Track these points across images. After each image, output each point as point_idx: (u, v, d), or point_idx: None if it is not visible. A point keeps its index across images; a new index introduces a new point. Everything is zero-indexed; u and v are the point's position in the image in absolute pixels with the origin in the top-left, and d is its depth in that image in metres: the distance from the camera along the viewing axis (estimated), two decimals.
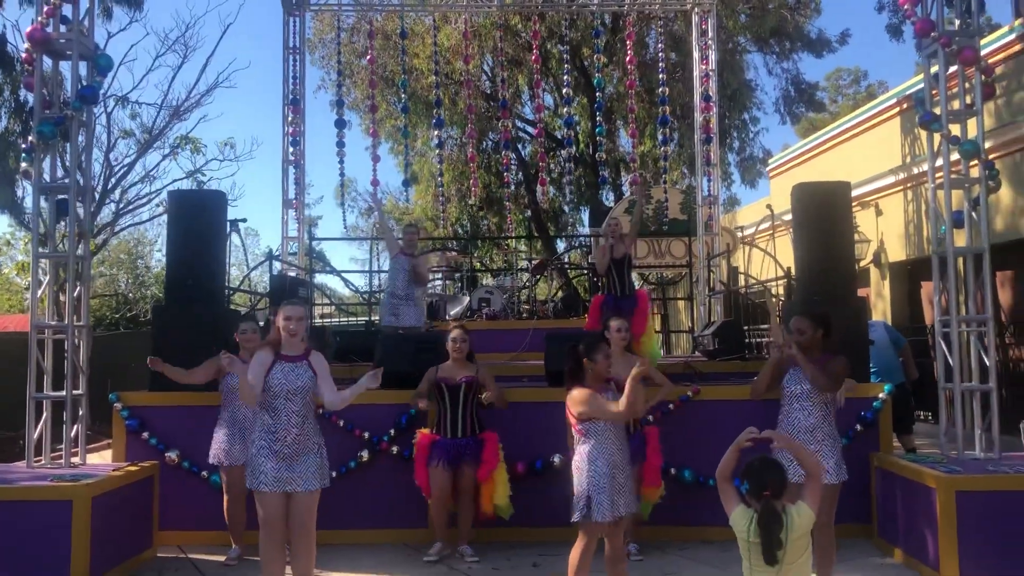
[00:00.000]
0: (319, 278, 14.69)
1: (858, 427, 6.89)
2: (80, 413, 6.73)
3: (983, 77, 6.63)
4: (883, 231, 13.35)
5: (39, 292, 6.73)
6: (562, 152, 22.68)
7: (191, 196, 8.92)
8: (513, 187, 22.88)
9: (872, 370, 8.02)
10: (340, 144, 13.51)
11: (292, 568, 5.05)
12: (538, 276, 13.80)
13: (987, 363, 6.53)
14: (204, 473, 6.93)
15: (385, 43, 19.72)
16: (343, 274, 15.27)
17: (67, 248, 6.56)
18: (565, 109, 15.53)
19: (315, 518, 5.00)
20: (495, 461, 6.47)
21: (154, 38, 42.53)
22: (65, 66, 6.69)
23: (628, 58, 14.07)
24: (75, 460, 6.62)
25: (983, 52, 7.36)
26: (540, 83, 15.85)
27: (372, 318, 14.08)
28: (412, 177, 21.86)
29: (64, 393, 6.54)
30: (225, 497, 6.46)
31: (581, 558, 4.88)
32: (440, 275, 14.35)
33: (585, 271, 16.40)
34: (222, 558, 6.45)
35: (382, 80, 19.50)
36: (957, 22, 6.75)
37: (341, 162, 13.61)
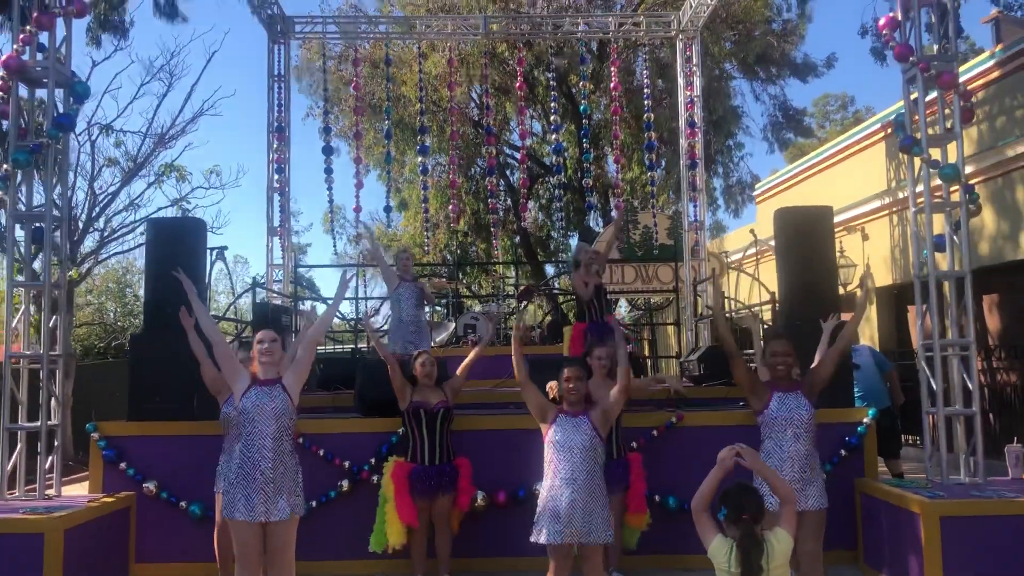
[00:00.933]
0: (305, 305, 14.59)
1: (843, 452, 6.83)
2: (56, 444, 6.64)
3: (962, 102, 6.66)
4: (869, 255, 13.36)
5: (15, 321, 6.66)
6: (551, 179, 22.76)
7: (170, 224, 8.85)
8: (501, 213, 22.91)
9: (857, 394, 7.98)
10: (328, 171, 13.52)
11: None
12: (525, 302, 13.75)
13: (970, 387, 6.50)
14: (183, 504, 6.82)
15: (372, 71, 19.79)
16: (329, 301, 15.19)
17: (44, 276, 6.50)
18: (553, 136, 15.58)
19: (293, 549, 4.92)
20: (472, 489, 6.42)
21: (139, 66, 42.49)
22: (42, 93, 6.66)
23: (613, 84, 14.15)
24: (50, 492, 6.52)
25: (964, 78, 7.43)
26: (526, 110, 15.89)
27: (358, 345, 14.02)
28: (400, 204, 21.89)
29: (39, 424, 6.44)
30: (216, 525, 6.19)
31: None
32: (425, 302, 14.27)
33: (572, 296, 16.36)
34: None
35: (369, 107, 19.54)
36: (936, 47, 6.79)
37: (329, 189, 13.62)
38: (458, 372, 6.63)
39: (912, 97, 6.88)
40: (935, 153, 6.73)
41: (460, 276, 19.63)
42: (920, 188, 6.77)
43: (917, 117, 6.76)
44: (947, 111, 6.83)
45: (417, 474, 6.25)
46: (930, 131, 6.75)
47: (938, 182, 6.77)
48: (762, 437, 5.21)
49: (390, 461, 6.42)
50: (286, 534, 4.87)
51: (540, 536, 4.82)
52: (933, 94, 6.91)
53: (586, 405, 5.08)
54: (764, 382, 5.30)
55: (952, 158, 6.73)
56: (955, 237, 6.68)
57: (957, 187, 6.64)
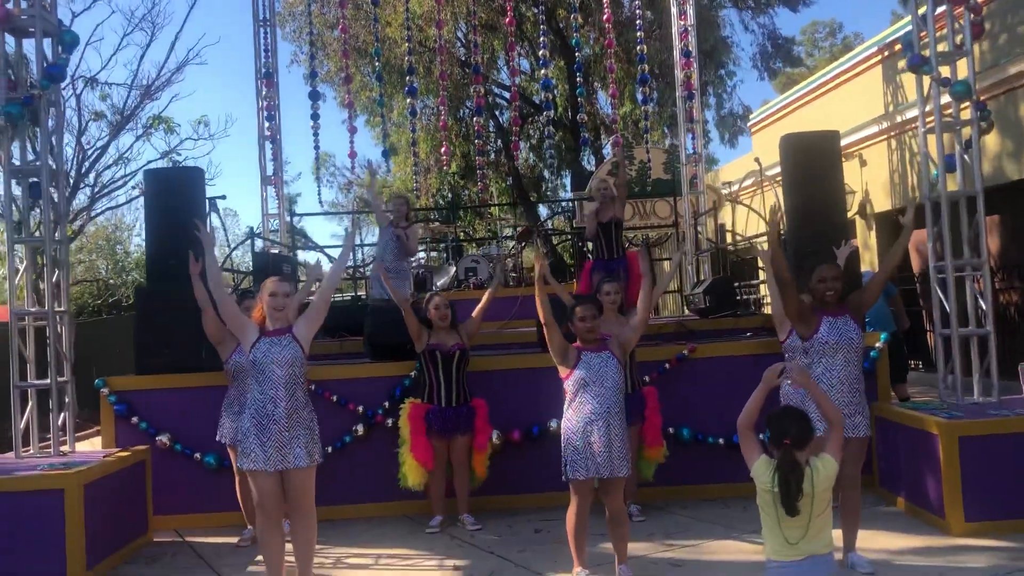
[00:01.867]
0: (301, 254, 14.50)
1: (861, 378, 6.82)
2: (67, 401, 6.58)
3: (972, 16, 6.52)
4: (867, 181, 13.28)
5: (16, 279, 6.55)
6: (540, 117, 22.50)
7: (168, 174, 8.71)
8: (492, 155, 22.71)
9: (866, 320, 7.97)
10: (315, 117, 13.26)
11: (293, 547, 4.97)
12: (524, 243, 13.67)
13: (984, 307, 6.48)
14: (197, 455, 6.82)
15: (356, 12, 19.39)
16: (325, 249, 15.09)
17: (43, 233, 6.38)
18: (542, 72, 15.32)
19: (312, 495, 4.90)
20: (489, 429, 6.42)
21: (120, 16, 41.63)
22: (29, 45, 6.46)
23: (605, 16, 13.87)
24: (64, 448, 6.49)
25: None
26: (515, 47, 15.60)
27: (358, 293, 13.95)
28: (390, 148, 21.63)
29: (48, 381, 6.38)
30: (236, 477, 6.21)
31: (573, 519, 4.90)
32: (424, 246, 14.20)
33: (569, 236, 16.28)
34: (219, 540, 6.35)
35: (355, 51, 19.19)
36: None
37: (316, 135, 13.37)
38: (473, 315, 6.61)
39: (920, 12, 6.73)
40: (944, 71, 6.61)
41: (455, 220, 19.51)
42: (929, 107, 6.67)
43: (925, 34, 6.62)
44: (956, 26, 6.67)
45: (434, 415, 6.25)
46: (939, 48, 6.61)
47: (946, 100, 6.66)
48: (809, 363, 5.10)
49: (406, 403, 6.40)
50: (305, 481, 4.84)
51: (576, 473, 4.78)
52: (941, 8, 6.75)
53: (602, 340, 5.04)
54: (811, 307, 5.21)
55: (962, 75, 6.61)
56: (966, 156, 6.60)
57: (967, 105, 6.53)
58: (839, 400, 4.88)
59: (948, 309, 6.52)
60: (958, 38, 6.66)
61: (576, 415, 4.84)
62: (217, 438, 6.20)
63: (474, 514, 6.41)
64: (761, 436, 3.65)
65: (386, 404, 6.83)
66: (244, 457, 4.77)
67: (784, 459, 3.35)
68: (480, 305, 6.63)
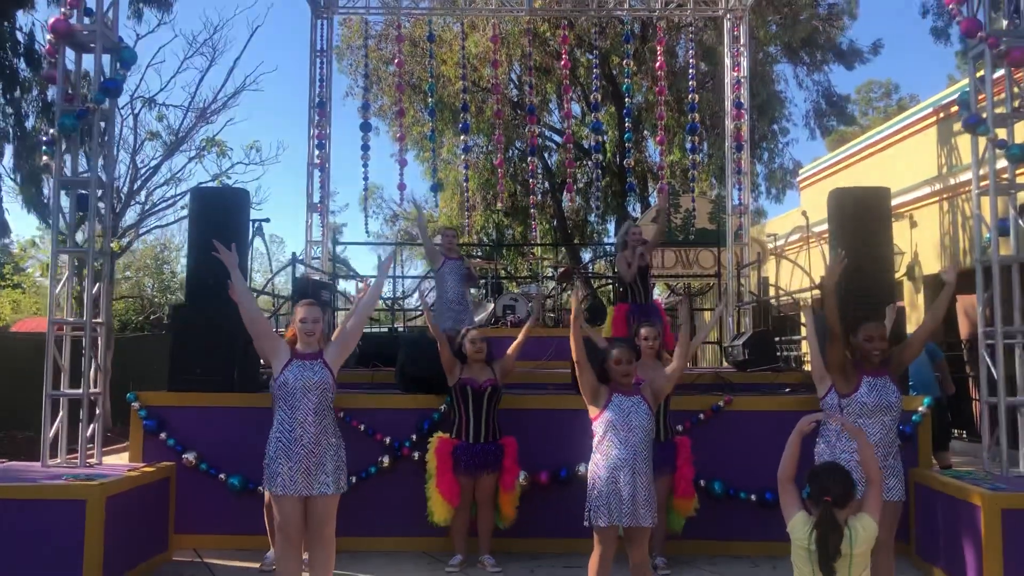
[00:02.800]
0: (342, 284, 14.59)
1: (897, 441, 6.62)
2: (97, 412, 6.62)
3: None
4: (917, 242, 13.05)
5: (57, 289, 6.63)
6: (589, 161, 22.55)
7: (214, 194, 8.79)
8: (539, 195, 22.77)
9: (909, 384, 7.77)
10: (365, 148, 13.46)
11: (310, 575, 4.90)
12: (564, 284, 13.60)
13: None
14: (222, 476, 6.79)
15: (413, 49, 19.69)
16: (367, 279, 15.17)
17: (88, 244, 6.46)
18: (593, 116, 15.37)
19: (334, 524, 4.86)
20: (517, 468, 6.31)
21: (182, 40, 42.85)
22: (88, 59, 6.61)
23: (658, 64, 13.91)
24: (91, 460, 6.51)
25: None
26: (568, 90, 15.70)
27: (395, 324, 13.97)
28: (439, 184, 21.83)
29: (80, 391, 6.42)
30: (265, 498, 6.18)
31: (596, 567, 4.78)
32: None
33: (610, 280, 16.20)
34: (238, 563, 6.30)
35: (409, 86, 19.45)
36: (1005, 23, 6.52)
37: (365, 166, 13.57)
38: (508, 352, 6.51)
39: (978, 74, 6.62)
40: (1000, 133, 6.48)
41: (497, 257, 19.53)
42: (983, 170, 6.52)
43: (983, 95, 6.50)
44: (1016, 90, 6.56)
45: (461, 451, 6.16)
46: (996, 111, 6.49)
47: (1002, 164, 6.52)
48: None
49: (435, 437, 6.33)
50: (328, 509, 4.80)
51: (598, 519, 4.68)
52: (999, 72, 6.65)
53: (635, 384, 4.96)
54: (854, 365, 5.11)
55: (1019, 138, 6.47)
56: (1020, 221, 6.43)
57: (1023, 169, 6.38)
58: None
59: (996, 376, 6.31)
60: (1016, 102, 6.52)
61: (603, 459, 4.74)
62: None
63: (496, 556, 6.28)
64: (803, 492, 3.55)
65: (413, 437, 6.76)
66: (270, 481, 4.75)
67: (824, 517, 3.25)
68: (516, 342, 6.56)
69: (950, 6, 6.61)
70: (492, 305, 12.02)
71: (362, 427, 6.80)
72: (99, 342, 6.66)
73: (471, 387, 6.20)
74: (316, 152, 13.09)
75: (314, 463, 4.71)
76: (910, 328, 12.46)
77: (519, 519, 6.42)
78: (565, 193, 16.09)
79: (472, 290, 13.86)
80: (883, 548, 4.81)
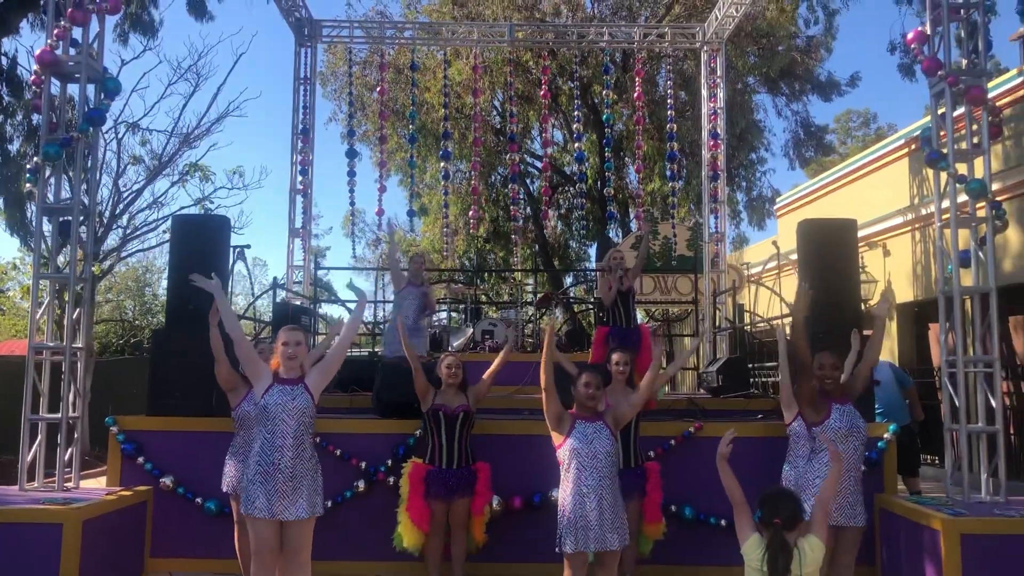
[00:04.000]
0: (324, 307, 14.70)
1: (862, 467, 6.75)
2: (75, 436, 6.67)
3: (990, 117, 6.62)
4: (890, 271, 13.28)
5: (39, 313, 6.70)
6: (570, 188, 22.77)
7: (194, 220, 8.90)
8: (521, 221, 22.95)
9: (877, 410, 7.92)
10: (351, 174, 13.64)
11: None
12: (544, 309, 13.74)
13: (993, 404, 6.43)
14: (199, 500, 6.85)
15: (396, 76, 19.89)
16: (347, 304, 15.26)
17: (69, 270, 6.55)
18: (576, 144, 15.60)
19: (310, 549, 4.91)
20: (489, 493, 6.39)
21: (167, 66, 43.01)
22: (74, 89, 6.73)
23: (637, 94, 14.15)
24: (68, 484, 6.55)
25: (991, 95, 7.37)
26: (549, 118, 15.92)
27: (375, 349, 14.04)
28: (420, 209, 21.94)
29: (59, 415, 6.48)
30: (236, 527, 6.20)
31: None
32: (444, 306, 14.34)
33: (590, 306, 16.37)
34: None
35: (392, 112, 19.63)
36: (964, 62, 6.75)
37: (351, 191, 13.76)
38: (484, 377, 6.55)
39: (940, 112, 6.84)
40: (962, 168, 6.69)
41: (478, 282, 19.65)
42: (946, 203, 6.73)
43: (944, 132, 6.72)
44: (975, 127, 6.78)
45: (433, 476, 6.22)
46: (957, 147, 6.71)
47: (964, 198, 6.72)
48: (813, 448, 5.29)
49: (408, 463, 6.40)
50: (303, 534, 4.86)
51: (567, 546, 4.77)
52: (960, 110, 6.88)
53: (599, 410, 5.07)
54: (821, 394, 5.32)
55: (979, 173, 6.68)
56: (980, 253, 6.63)
57: (983, 203, 6.59)
58: (846, 487, 4.94)
59: (958, 404, 6.48)
60: (976, 138, 6.74)
61: (570, 486, 4.85)
62: (222, 486, 6.21)
63: None
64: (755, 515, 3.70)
65: (389, 462, 6.85)
66: (247, 503, 4.79)
67: (774, 539, 3.39)
68: (491, 368, 6.61)
69: (912, 46, 6.84)
70: (471, 330, 12.13)
71: (338, 452, 6.88)
72: (78, 366, 6.72)
73: (443, 412, 6.27)
74: (299, 178, 13.23)
75: (291, 488, 4.77)
76: (884, 355, 12.67)
77: (493, 544, 6.49)
78: (544, 221, 16.25)
79: (452, 315, 14.00)
80: (848, 571, 4.95)
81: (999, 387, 6.51)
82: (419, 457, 6.42)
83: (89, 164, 6.79)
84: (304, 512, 4.80)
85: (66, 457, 6.57)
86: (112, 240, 15.44)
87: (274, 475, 4.75)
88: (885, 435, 6.88)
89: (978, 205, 6.70)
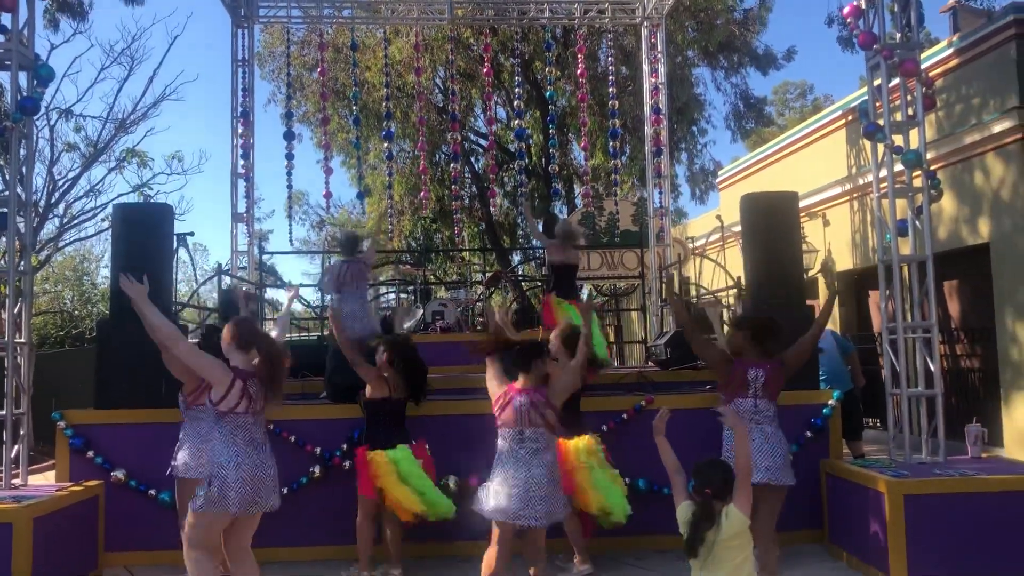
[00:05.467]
0: (270, 292, 14.53)
1: (808, 434, 6.96)
2: (22, 433, 6.54)
3: (924, 89, 6.79)
4: (830, 241, 13.57)
5: None
6: (515, 165, 22.74)
7: (136, 209, 8.76)
8: (467, 200, 22.90)
9: (821, 377, 8.13)
10: (289, 156, 13.46)
11: None
12: (492, 288, 13.77)
13: (932, 369, 6.65)
14: (152, 492, 6.77)
15: (336, 56, 19.61)
16: (295, 287, 15.17)
17: (7, 263, 6.39)
18: (517, 122, 15.59)
19: None
20: (364, 477, 6.20)
21: (99, 50, 41.78)
22: (3, 77, 6.54)
23: (579, 71, 14.18)
24: (16, 482, 6.43)
25: (924, 66, 7.55)
26: (492, 96, 15.87)
27: (324, 332, 13.93)
28: (365, 190, 21.76)
29: (3, 412, 6.35)
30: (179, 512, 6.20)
31: (490, 563, 4.95)
32: (393, 288, 14.30)
33: (540, 283, 16.45)
34: None
35: (333, 93, 19.38)
36: (899, 35, 6.90)
37: (289, 174, 13.59)
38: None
39: (876, 84, 6.99)
40: (898, 139, 6.86)
41: (426, 263, 19.59)
42: (883, 173, 6.90)
43: (880, 104, 6.88)
44: (909, 98, 6.95)
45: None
46: (892, 118, 6.87)
47: (900, 168, 6.90)
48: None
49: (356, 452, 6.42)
50: (255, 525, 4.90)
51: (496, 515, 4.89)
52: (895, 81, 7.04)
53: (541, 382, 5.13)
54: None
55: (914, 144, 6.86)
56: (917, 222, 6.82)
57: (919, 173, 6.77)
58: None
59: (898, 369, 6.69)
60: (911, 109, 6.91)
61: (499, 458, 5.03)
62: (169, 471, 6.08)
63: (429, 560, 6.38)
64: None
65: (344, 446, 6.85)
66: (221, 497, 4.60)
67: (701, 507, 3.54)
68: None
69: (848, 20, 6.97)
70: (421, 311, 12.12)
71: (292, 438, 6.85)
72: (22, 361, 6.58)
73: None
74: (240, 162, 13.02)
75: (265, 479, 4.73)
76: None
77: (453, 522, 6.46)
78: (491, 199, 16.26)
79: (403, 295, 13.95)
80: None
81: (937, 351, 6.73)
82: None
83: (24, 154, 6.59)
84: (275, 502, 4.82)
85: (12, 454, 6.44)
86: (48, 229, 15.10)
87: (250, 467, 4.69)
88: (830, 402, 7.08)
89: (914, 175, 6.88)
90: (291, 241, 22.19)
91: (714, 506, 3.62)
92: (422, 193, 15.57)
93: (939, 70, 10.75)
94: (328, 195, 13.65)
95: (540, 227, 12.35)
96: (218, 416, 4.72)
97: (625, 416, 7.05)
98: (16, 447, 6.50)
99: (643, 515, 6.81)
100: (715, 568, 3.59)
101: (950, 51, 10.70)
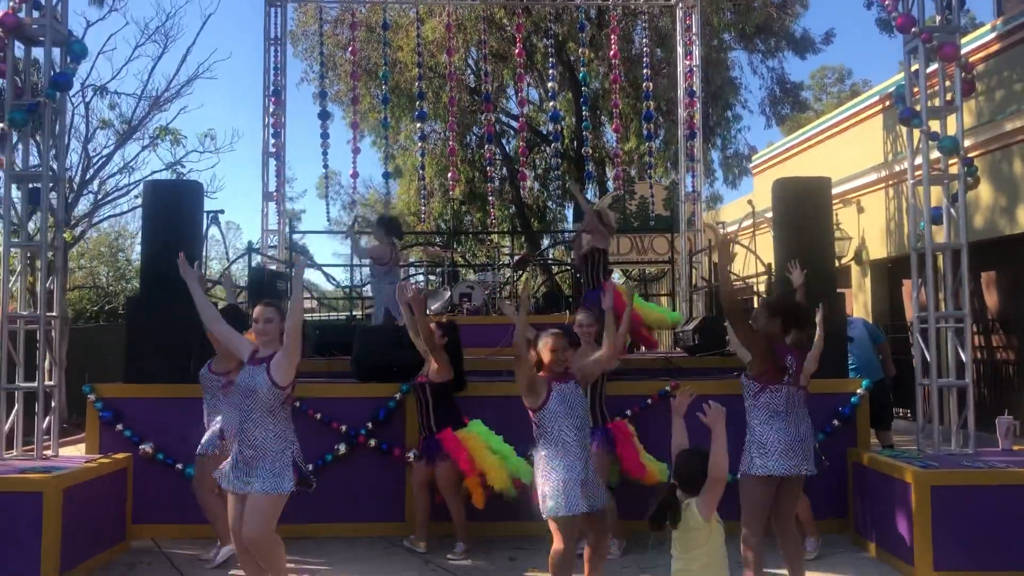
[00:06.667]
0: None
1: (835, 422, 6.90)
2: (53, 405, 6.65)
3: (963, 74, 6.65)
4: (864, 228, 13.39)
5: (11, 283, 6.63)
6: (547, 147, 22.64)
7: (167, 187, 8.80)
8: (497, 182, 22.86)
9: (851, 366, 8.04)
10: (324, 135, 13.50)
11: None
12: (521, 271, 13.75)
13: (964, 359, 6.54)
14: (179, 466, 6.86)
15: (368, 35, 19.61)
16: (324, 268, 15.26)
17: (40, 237, 6.47)
18: (550, 104, 15.50)
19: (269, 524, 4.76)
20: (463, 457, 6.33)
21: (134, 27, 42.02)
22: (38, 52, 6.59)
23: (613, 52, 14.05)
24: (47, 452, 6.54)
25: (964, 50, 7.40)
26: (524, 77, 15.79)
27: (353, 312, 14.02)
28: (395, 171, 21.78)
29: (36, 384, 6.45)
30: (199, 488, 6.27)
31: (556, 557, 4.71)
32: (422, 269, 14.33)
33: (568, 267, 16.40)
34: (197, 552, 6.38)
35: (365, 73, 19.38)
36: (938, 18, 6.75)
37: (325, 154, 13.63)
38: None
39: (913, 69, 6.85)
40: (934, 125, 6.73)
41: (455, 245, 19.61)
42: (919, 160, 6.77)
43: (917, 89, 6.74)
44: (947, 83, 6.81)
45: (421, 442, 6.46)
46: (930, 103, 6.74)
47: (936, 154, 6.77)
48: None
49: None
50: (262, 508, 4.79)
51: (560, 511, 4.65)
52: (934, 66, 6.90)
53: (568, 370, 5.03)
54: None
55: (951, 130, 6.72)
56: (952, 210, 6.70)
57: (956, 160, 6.64)
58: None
59: (929, 359, 6.58)
60: (949, 95, 6.77)
61: (557, 449, 4.77)
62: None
63: (448, 538, 6.42)
64: None
65: (369, 425, 6.89)
66: (219, 474, 4.90)
67: (667, 495, 3.65)
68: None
69: (886, 2, 6.83)
70: (448, 293, 12.13)
71: (318, 416, 6.90)
72: (54, 335, 6.68)
73: (417, 380, 6.42)
74: (272, 140, 13.07)
75: (256, 464, 4.76)
76: (856, 312, 12.83)
77: (497, 504, 6.50)
78: (520, 181, 16.20)
79: (430, 278, 13.99)
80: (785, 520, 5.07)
81: (969, 342, 6.61)
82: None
83: (57, 129, 6.67)
84: (259, 488, 4.70)
85: (44, 425, 6.54)
86: (83, 206, 15.29)
87: (243, 450, 4.77)
88: (858, 391, 7.00)
89: (951, 162, 6.75)
90: (328, 220, 22.36)
91: (676, 496, 3.67)
92: (450, 174, 15.53)
93: (980, 55, 10.52)
94: (355, 175, 13.68)
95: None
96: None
97: (650, 401, 7.02)
98: (48, 419, 6.61)
99: None
100: (683, 551, 3.70)
101: (993, 35, 10.46)
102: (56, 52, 6.56)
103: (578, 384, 4.96)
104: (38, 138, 6.63)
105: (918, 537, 5.56)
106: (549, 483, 4.73)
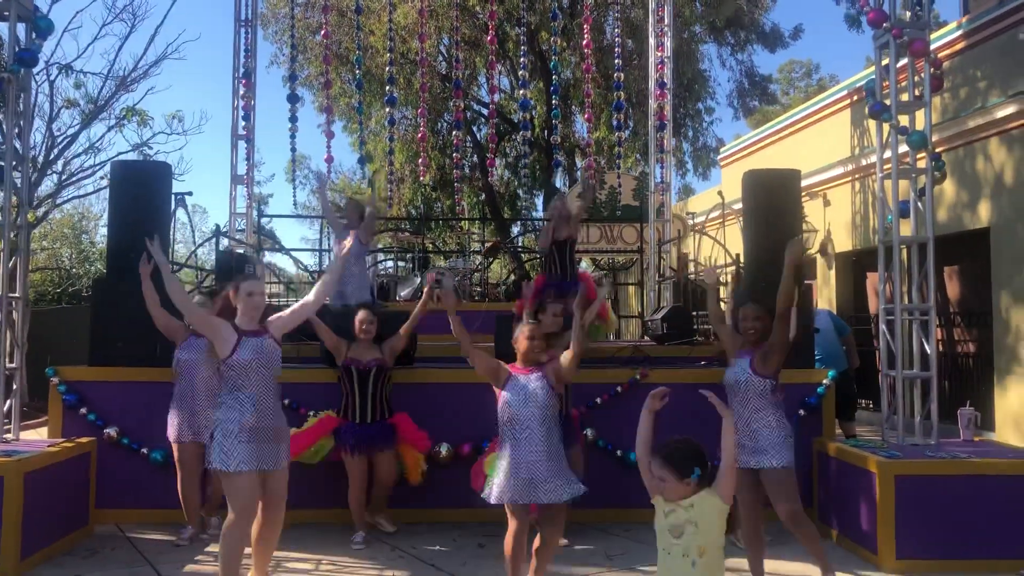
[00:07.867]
0: (268, 256, 14.52)
1: (801, 412, 6.97)
2: (15, 387, 6.53)
3: (932, 69, 6.73)
4: (830, 221, 13.53)
5: None
6: (517, 136, 22.64)
7: (135, 167, 8.66)
8: (467, 169, 22.82)
9: (816, 357, 8.13)
10: (292, 119, 13.40)
11: (260, 547, 4.97)
12: (491, 258, 13.75)
13: (928, 351, 6.64)
14: (144, 450, 6.79)
15: (340, 19, 19.46)
16: (292, 253, 15.13)
17: (3, 217, 6.35)
18: (521, 92, 15.48)
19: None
20: (421, 441, 6.46)
21: (100, 5, 41.39)
22: (2, 28, 6.46)
23: (585, 42, 14.06)
24: (8, 436, 6.43)
25: (931, 47, 7.47)
26: (496, 65, 15.76)
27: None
28: (366, 156, 21.64)
29: None
30: (179, 474, 6.26)
31: (509, 541, 4.76)
32: (392, 256, 14.28)
33: (537, 255, 16.42)
34: (161, 536, 6.34)
35: (336, 57, 19.24)
36: (908, 14, 6.83)
37: (293, 137, 13.53)
38: (400, 331, 6.58)
39: (883, 63, 6.92)
40: (903, 120, 6.81)
41: (425, 231, 19.55)
42: (887, 154, 6.85)
43: (887, 83, 6.81)
44: (916, 79, 6.89)
45: (346, 431, 6.30)
46: (899, 98, 6.81)
47: (904, 149, 6.85)
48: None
49: (320, 414, 6.51)
50: (285, 480, 4.96)
51: (506, 497, 4.71)
52: (903, 61, 6.97)
53: (542, 362, 4.99)
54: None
55: (920, 125, 6.81)
56: (919, 203, 6.79)
57: (923, 154, 6.73)
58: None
59: (894, 351, 6.68)
60: (918, 90, 6.85)
61: (507, 440, 4.81)
62: (184, 439, 6.18)
63: (421, 525, 6.42)
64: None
65: (336, 411, 6.84)
66: (224, 459, 4.66)
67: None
68: (407, 323, 6.61)
69: None
70: (419, 279, 12.10)
71: (287, 401, 6.83)
72: (16, 316, 6.56)
73: (355, 367, 6.30)
74: (241, 123, 12.92)
75: (276, 437, 4.83)
76: (821, 304, 12.97)
77: (442, 490, 6.58)
78: (490, 168, 16.19)
79: (397, 265, 13.95)
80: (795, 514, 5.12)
81: (934, 334, 6.71)
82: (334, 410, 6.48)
83: (21, 107, 6.53)
84: (286, 460, 4.94)
85: (4, 408, 6.43)
86: (47, 186, 14.98)
87: (260, 425, 4.73)
88: (824, 381, 7.07)
89: (918, 156, 6.84)
90: (295, 204, 22.10)
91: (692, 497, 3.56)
92: (420, 160, 15.48)
93: (946, 52, 10.65)
94: (329, 160, 13.57)
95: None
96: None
97: (619, 389, 7.05)
98: (8, 402, 6.50)
99: (635, 488, 6.83)
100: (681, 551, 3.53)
101: (958, 33, 10.60)
102: (21, 28, 6.43)
103: (545, 376, 4.88)
104: (1, 116, 6.49)
105: (881, 526, 5.65)
106: (499, 471, 4.80)
